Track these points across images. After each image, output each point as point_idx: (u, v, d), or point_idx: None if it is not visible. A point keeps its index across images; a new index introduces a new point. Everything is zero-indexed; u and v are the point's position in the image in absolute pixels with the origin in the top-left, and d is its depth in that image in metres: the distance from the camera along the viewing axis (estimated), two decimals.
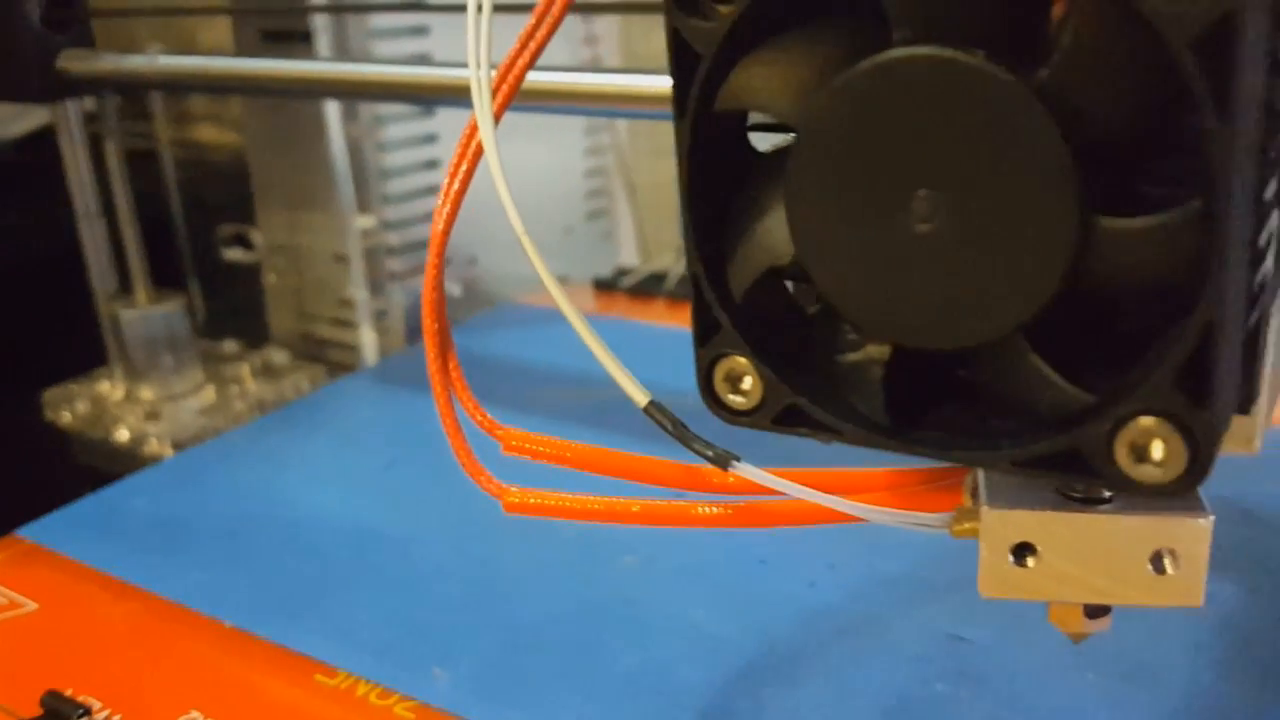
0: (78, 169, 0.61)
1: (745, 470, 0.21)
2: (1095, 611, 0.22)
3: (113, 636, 0.36)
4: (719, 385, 0.19)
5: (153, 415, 0.64)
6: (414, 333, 0.67)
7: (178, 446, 0.61)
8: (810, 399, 0.18)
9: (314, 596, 0.37)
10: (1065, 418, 0.17)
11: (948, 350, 0.17)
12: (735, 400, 0.19)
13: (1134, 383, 0.16)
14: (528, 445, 0.24)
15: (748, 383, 0.19)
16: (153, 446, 0.62)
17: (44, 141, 0.67)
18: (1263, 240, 0.17)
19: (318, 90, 0.54)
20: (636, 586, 0.36)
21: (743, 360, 0.19)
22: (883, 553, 0.37)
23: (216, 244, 0.71)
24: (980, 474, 0.22)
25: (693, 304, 0.19)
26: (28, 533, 0.42)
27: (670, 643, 0.33)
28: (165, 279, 0.67)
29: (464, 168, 0.23)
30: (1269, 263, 0.17)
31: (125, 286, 0.64)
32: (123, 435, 0.63)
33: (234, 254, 0.71)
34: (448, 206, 0.24)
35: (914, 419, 0.18)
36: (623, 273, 0.68)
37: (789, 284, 0.20)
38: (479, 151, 0.23)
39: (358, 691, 0.32)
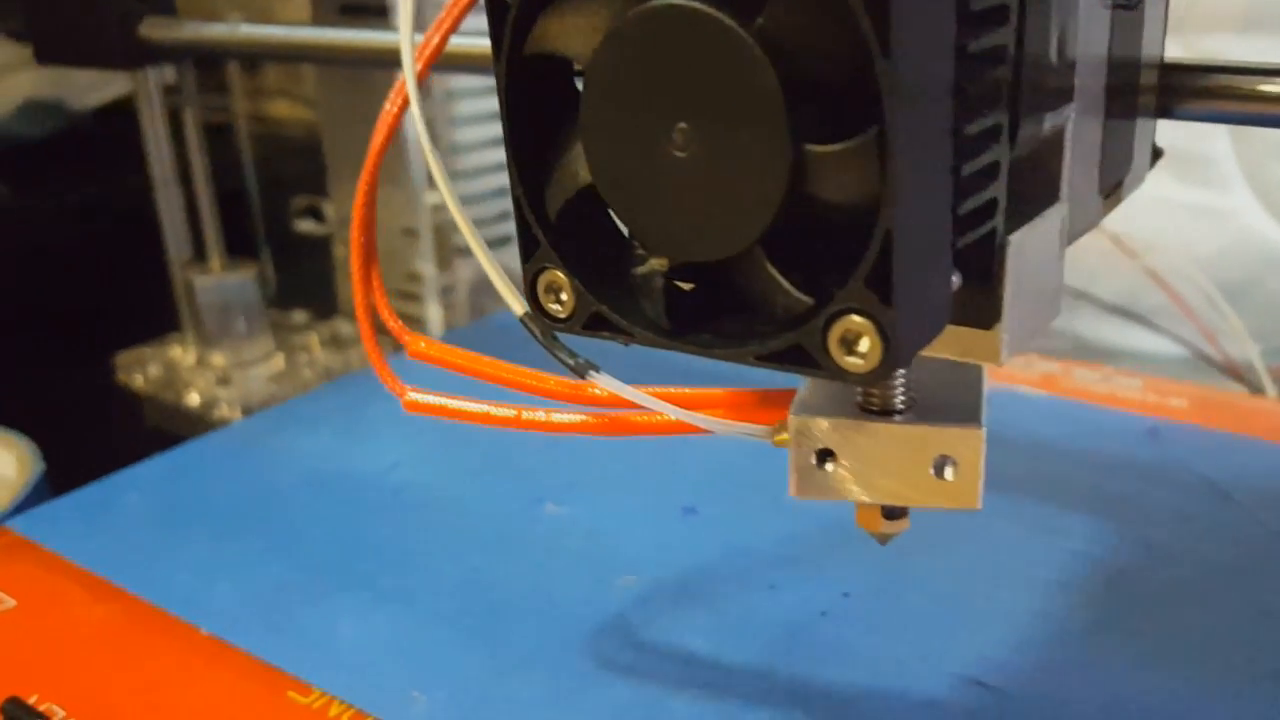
0: (156, 137, 0.64)
1: (602, 380, 0.25)
2: (892, 513, 0.25)
3: (87, 640, 0.35)
4: (542, 296, 0.22)
5: (223, 380, 0.67)
6: (479, 308, 0.71)
7: (247, 411, 0.64)
8: (610, 307, 0.22)
9: (297, 606, 0.36)
10: (794, 318, 0.20)
11: (707, 262, 0.20)
12: (555, 309, 0.22)
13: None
14: (429, 352, 0.28)
15: (565, 294, 0.22)
16: (223, 411, 0.65)
17: (122, 112, 0.71)
18: (969, 169, 0.19)
19: (394, 61, 0.56)
20: (635, 610, 0.35)
21: (559, 274, 0.22)
22: (904, 582, 0.35)
23: (289, 215, 0.75)
24: (799, 389, 0.25)
25: (516, 224, 0.22)
26: (17, 524, 0.42)
27: (665, 673, 0.32)
28: (238, 248, 0.70)
29: (401, 98, 0.27)
30: (992, 192, 0.20)
31: (199, 254, 0.67)
32: (193, 399, 0.66)
33: (305, 226, 0.75)
34: (384, 129, 0.28)
35: (693, 324, 0.21)
36: None
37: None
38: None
39: (330, 712, 0.31)
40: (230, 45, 0.58)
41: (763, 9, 0.18)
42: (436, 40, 0.27)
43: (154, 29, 0.58)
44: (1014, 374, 0.50)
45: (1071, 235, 0.23)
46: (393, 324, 0.28)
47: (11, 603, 0.37)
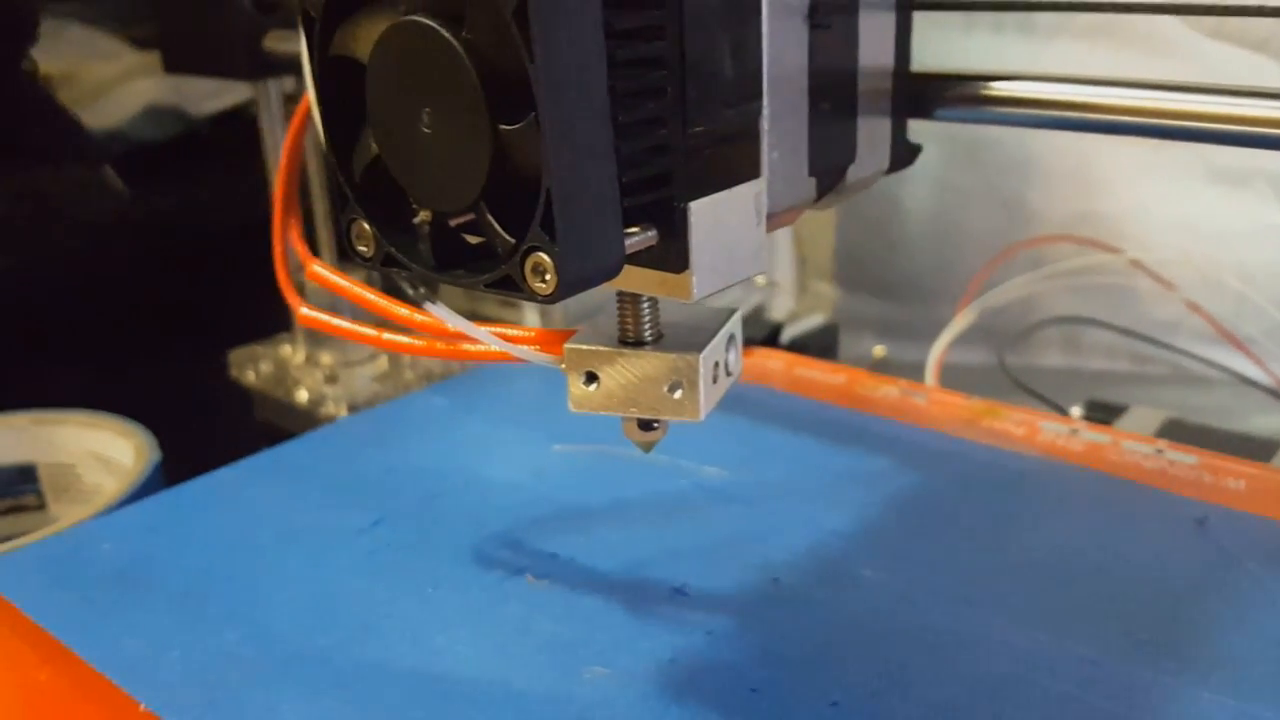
0: (275, 144, 0.67)
1: (436, 310, 0.31)
2: (646, 425, 0.31)
3: (22, 707, 0.34)
4: (354, 241, 0.29)
5: (331, 379, 0.70)
6: (574, 317, 0.76)
7: (352, 409, 0.67)
8: (397, 248, 0.28)
9: (242, 684, 0.34)
10: (506, 254, 0.26)
11: (455, 213, 0.27)
12: (362, 250, 0.29)
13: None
14: (321, 274, 0.35)
15: (368, 240, 0.29)
16: (329, 408, 0.68)
17: (238, 118, 0.76)
18: (629, 148, 0.25)
19: None
20: (601, 709, 0.32)
21: (363, 224, 0.29)
22: (899, 691, 0.33)
23: None
24: (581, 327, 0.31)
25: (330, 184, 0.29)
26: None
27: None
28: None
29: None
30: (660, 167, 0.26)
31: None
32: (302, 396, 0.69)
33: None
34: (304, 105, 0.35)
35: (455, 261, 0.28)
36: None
37: None
38: None
39: None
40: None
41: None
42: None
43: (278, 42, 0.63)
44: (1057, 445, 0.46)
45: (776, 205, 0.29)
46: (300, 249, 0.35)
47: None
